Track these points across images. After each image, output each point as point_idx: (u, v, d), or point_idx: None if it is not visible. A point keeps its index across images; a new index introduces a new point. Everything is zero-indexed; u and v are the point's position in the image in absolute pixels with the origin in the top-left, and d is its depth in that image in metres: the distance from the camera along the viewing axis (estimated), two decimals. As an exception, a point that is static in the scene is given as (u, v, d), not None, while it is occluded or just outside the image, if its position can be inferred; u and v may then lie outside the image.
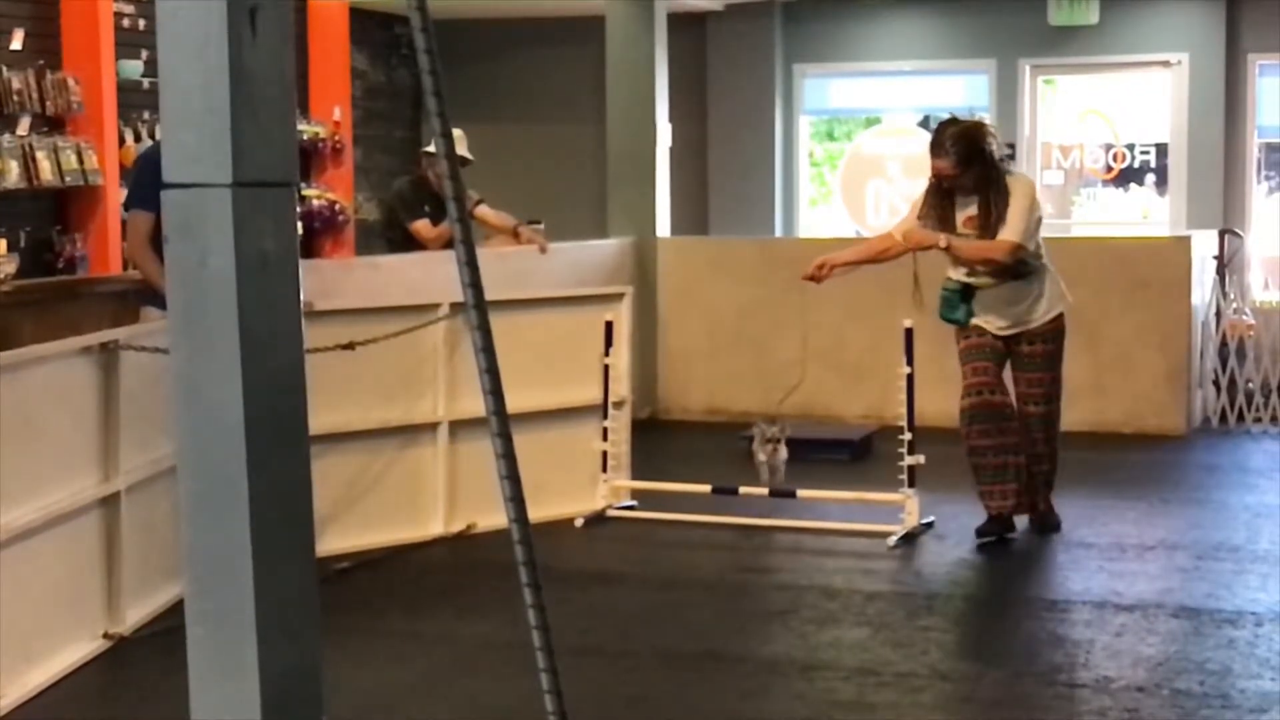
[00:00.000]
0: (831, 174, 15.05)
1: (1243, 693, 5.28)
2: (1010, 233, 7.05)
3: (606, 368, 7.97)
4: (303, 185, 11.84)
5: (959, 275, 7.23)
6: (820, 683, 5.50)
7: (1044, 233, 7.41)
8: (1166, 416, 10.09)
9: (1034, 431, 7.37)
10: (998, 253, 7.08)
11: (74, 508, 5.70)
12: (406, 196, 9.56)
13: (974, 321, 7.24)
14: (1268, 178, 13.77)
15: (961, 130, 7.11)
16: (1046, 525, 7.48)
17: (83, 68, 9.70)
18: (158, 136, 8.64)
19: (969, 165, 7.05)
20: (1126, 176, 14.19)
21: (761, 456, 7.73)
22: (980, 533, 7.24)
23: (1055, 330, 7.33)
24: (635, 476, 8.23)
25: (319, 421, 5.93)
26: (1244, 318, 10.74)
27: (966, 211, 7.16)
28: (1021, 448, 7.25)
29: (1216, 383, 10.49)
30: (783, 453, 7.71)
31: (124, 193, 8.11)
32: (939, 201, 7.22)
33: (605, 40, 11.16)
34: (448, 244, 8.46)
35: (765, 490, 7.67)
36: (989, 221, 7.09)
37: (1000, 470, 7.19)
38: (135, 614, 6.03)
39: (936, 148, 7.16)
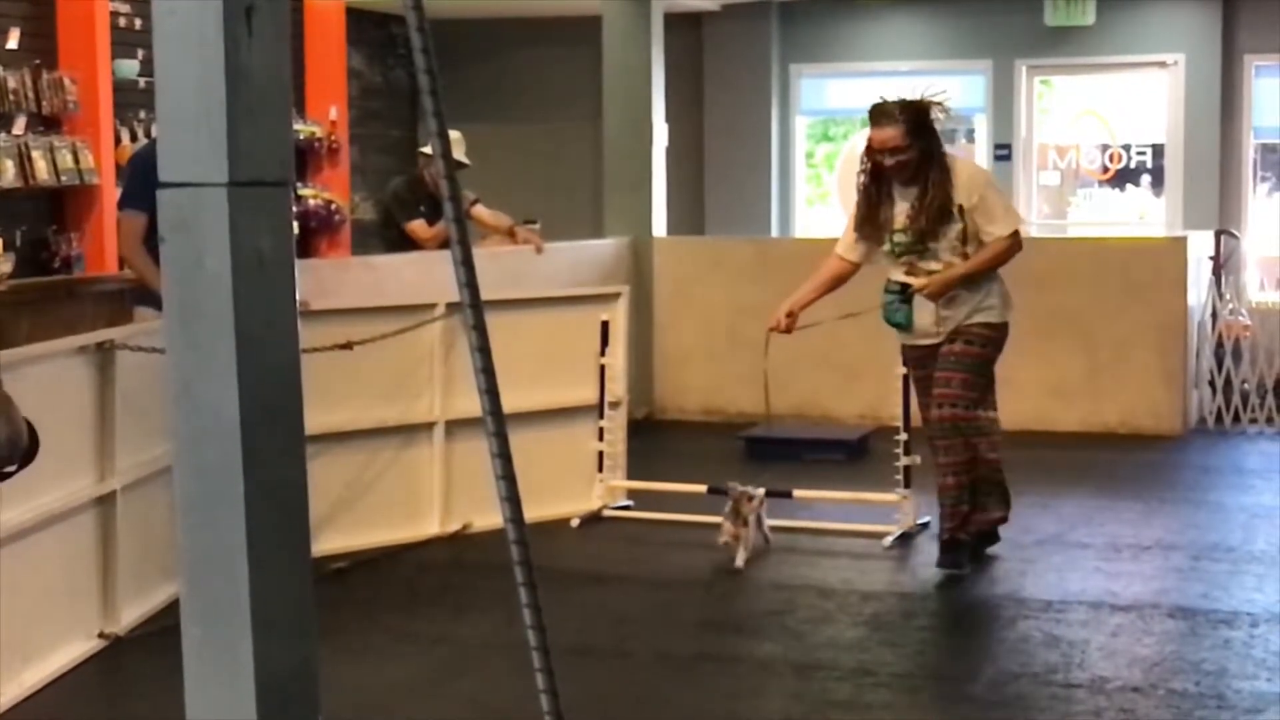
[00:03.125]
0: (828, 174, 15.05)
1: (1238, 693, 5.29)
2: (1003, 225, 6.63)
3: (602, 368, 7.97)
4: (299, 185, 11.84)
5: (898, 276, 6.75)
6: (816, 683, 5.50)
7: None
8: (1162, 417, 10.09)
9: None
10: (1008, 253, 6.66)
11: (70, 507, 5.70)
12: (403, 196, 9.56)
13: (912, 341, 6.80)
14: (1264, 178, 13.78)
15: (908, 101, 6.60)
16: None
17: (79, 67, 9.69)
18: (153, 135, 8.63)
19: (916, 137, 6.55)
20: (1123, 177, 14.20)
21: (736, 548, 6.97)
22: (940, 564, 6.80)
23: (985, 337, 6.67)
24: (631, 476, 8.23)
25: (315, 421, 5.92)
26: (1240, 318, 10.74)
27: (906, 209, 6.63)
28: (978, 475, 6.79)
29: (1212, 383, 10.49)
30: (759, 527, 7.08)
31: (119, 192, 8.10)
32: (870, 206, 6.71)
33: (602, 40, 11.16)
34: (444, 244, 8.45)
35: (761, 490, 7.63)
36: (924, 203, 6.54)
37: (956, 497, 6.80)
38: (131, 613, 6.02)
39: (882, 116, 6.58)
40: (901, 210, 6.67)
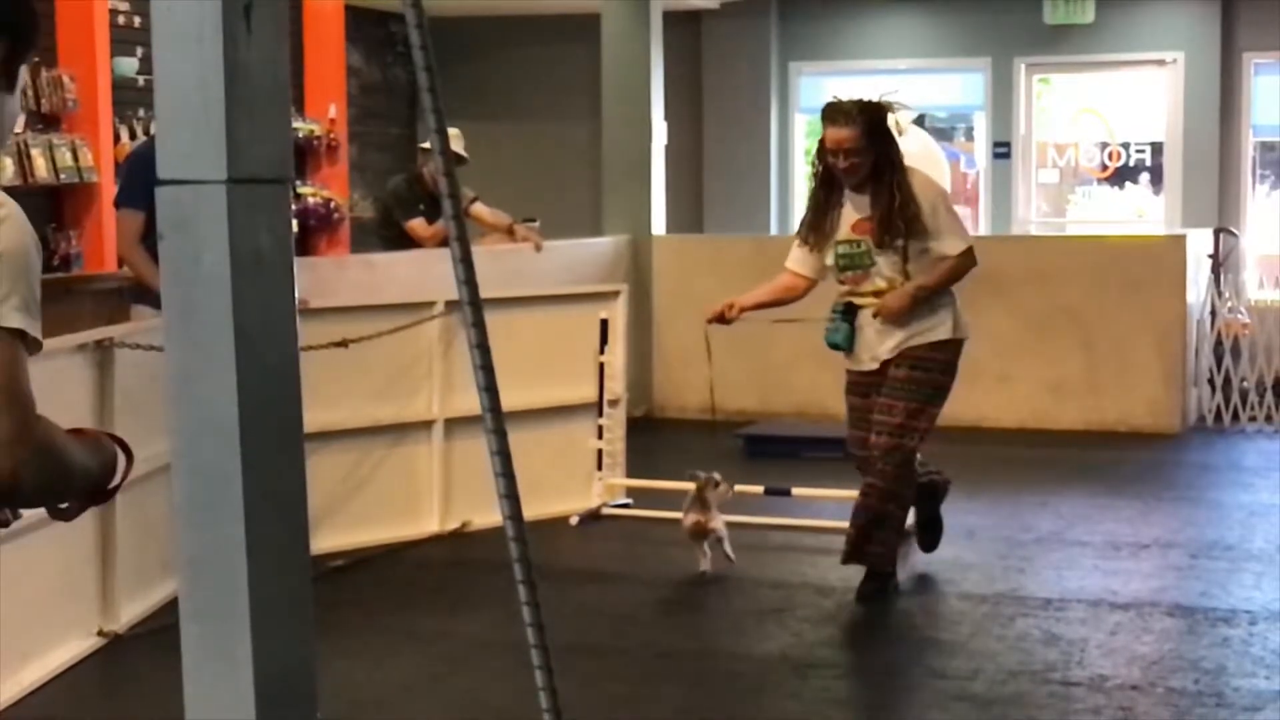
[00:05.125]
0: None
1: (1237, 691, 5.29)
2: (959, 242, 6.27)
3: (602, 365, 7.97)
4: (298, 183, 11.83)
5: (843, 294, 6.42)
6: (815, 681, 5.50)
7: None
8: (1161, 415, 10.09)
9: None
10: (964, 269, 6.29)
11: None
12: (402, 194, 9.56)
13: (856, 367, 6.38)
14: (1263, 176, 13.79)
15: (865, 101, 6.27)
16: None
17: (78, 65, 9.69)
18: (153, 133, 8.62)
19: (873, 139, 6.19)
20: (1122, 175, 14.20)
21: (700, 546, 6.73)
22: (861, 597, 6.39)
23: (934, 361, 6.26)
24: (630, 474, 8.23)
25: (313, 419, 5.91)
26: (1239, 316, 10.75)
27: (855, 215, 6.29)
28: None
29: (1211, 381, 10.50)
30: (718, 523, 6.70)
31: (116, 190, 8.09)
32: (817, 212, 6.39)
33: (601, 38, 11.16)
34: (443, 242, 8.46)
35: (760, 488, 7.65)
36: (892, 205, 6.14)
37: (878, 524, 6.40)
38: (130, 611, 6.02)
39: (838, 115, 6.22)
40: (850, 219, 6.32)
